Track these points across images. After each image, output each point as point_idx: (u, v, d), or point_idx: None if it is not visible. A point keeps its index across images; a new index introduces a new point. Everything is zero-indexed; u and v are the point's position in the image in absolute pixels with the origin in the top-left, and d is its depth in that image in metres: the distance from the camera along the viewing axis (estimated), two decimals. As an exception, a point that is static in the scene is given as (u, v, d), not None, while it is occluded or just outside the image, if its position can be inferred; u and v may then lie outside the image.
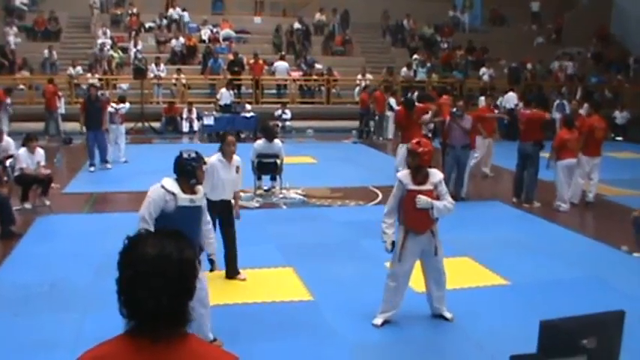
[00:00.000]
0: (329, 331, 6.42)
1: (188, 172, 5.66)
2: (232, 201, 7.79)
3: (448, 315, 6.65)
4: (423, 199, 6.17)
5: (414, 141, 6.48)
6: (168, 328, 2.03)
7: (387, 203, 6.52)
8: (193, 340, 2.11)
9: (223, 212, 7.69)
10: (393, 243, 6.34)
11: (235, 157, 7.73)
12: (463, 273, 8.09)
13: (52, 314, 6.62)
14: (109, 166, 15.13)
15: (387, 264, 7.68)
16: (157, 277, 2.00)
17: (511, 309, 7.01)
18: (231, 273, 7.79)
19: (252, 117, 21.02)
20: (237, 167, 7.73)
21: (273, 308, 6.96)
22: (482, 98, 22.98)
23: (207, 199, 7.37)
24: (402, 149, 12.64)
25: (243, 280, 7.73)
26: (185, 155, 5.72)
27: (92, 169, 14.79)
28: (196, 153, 5.80)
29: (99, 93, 16.20)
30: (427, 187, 6.28)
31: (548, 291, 7.48)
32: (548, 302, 6.96)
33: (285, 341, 6.15)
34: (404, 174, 6.39)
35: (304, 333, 6.37)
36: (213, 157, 7.63)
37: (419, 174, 6.28)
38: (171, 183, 5.64)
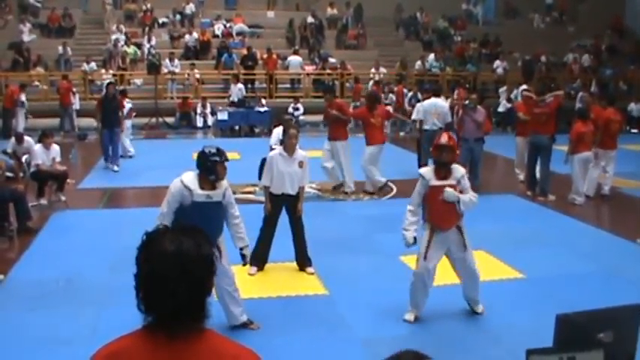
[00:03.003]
0: (344, 325, 6.42)
1: (208, 168, 5.68)
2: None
3: (479, 309, 6.61)
4: (449, 191, 6.10)
5: (446, 135, 6.42)
6: (186, 324, 2.03)
7: (411, 200, 6.39)
8: (212, 335, 2.11)
9: (288, 207, 7.66)
10: (415, 239, 6.26)
11: (299, 152, 7.61)
12: (478, 266, 8.05)
13: (67, 309, 6.66)
14: (116, 168, 14.32)
15: (402, 258, 7.71)
16: (175, 273, 2.00)
17: (527, 303, 6.97)
18: (300, 266, 7.86)
19: (265, 111, 21.01)
20: (301, 162, 7.55)
21: (289, 302, 6.98)
22: (502, 90, 23.15)
23: (270, 193, 7.47)
24: (327, 146, 12.55)
25: (311, 274, 7.71)
26: (206, 151, 5.73)
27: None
28: (217, 149, 5.78)
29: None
30: (450, 181, 6.21)
31: (563, 284, 7.44)
32: (563, 296, 6.93)
33: (300, 335, 6.16)
34: (426, 170, 6.34)
35: (319, 327, 6.37)
36: (275, 150, 7.67)
37: (443, 169, 6.22)
38: (190, 178, 5.69)
